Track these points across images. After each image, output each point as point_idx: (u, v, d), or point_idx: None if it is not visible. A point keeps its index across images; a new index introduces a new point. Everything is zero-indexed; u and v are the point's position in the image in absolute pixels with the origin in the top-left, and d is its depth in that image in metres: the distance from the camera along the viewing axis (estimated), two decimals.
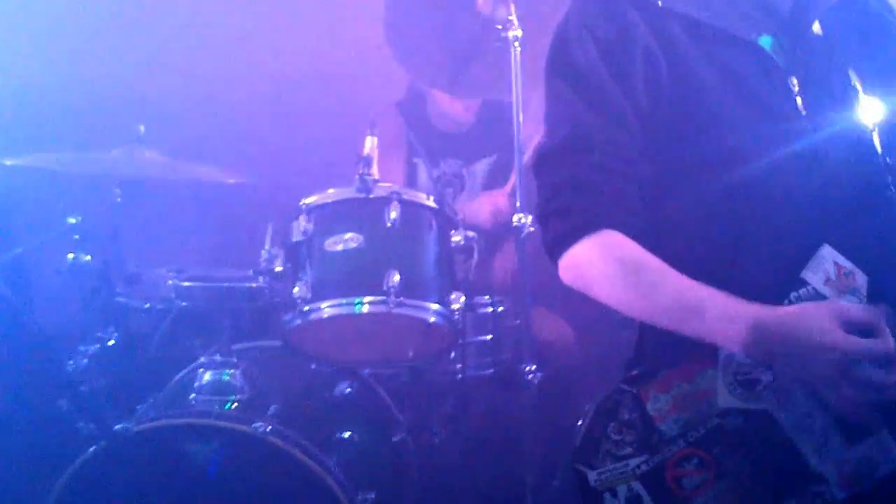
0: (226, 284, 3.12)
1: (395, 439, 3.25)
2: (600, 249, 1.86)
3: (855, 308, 1.69)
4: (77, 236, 3.14)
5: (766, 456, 1.73)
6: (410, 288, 2.90)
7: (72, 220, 3.13)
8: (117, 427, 2.78)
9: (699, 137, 1.86)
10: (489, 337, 3.36)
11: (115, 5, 4.14)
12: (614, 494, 1.77)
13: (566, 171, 1.91)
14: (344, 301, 2.91)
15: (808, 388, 1.71)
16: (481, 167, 4.00)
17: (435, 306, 2.96)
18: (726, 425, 1.75)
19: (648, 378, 1.81)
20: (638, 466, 1.77)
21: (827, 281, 1.73)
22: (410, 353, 3.20)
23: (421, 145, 4.00)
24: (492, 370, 3.34)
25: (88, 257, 3.13)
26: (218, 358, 3.06)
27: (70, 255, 3.12)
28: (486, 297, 3.35)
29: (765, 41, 1.92)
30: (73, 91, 4.07)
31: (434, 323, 2.95)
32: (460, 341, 3.16)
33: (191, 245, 3.73)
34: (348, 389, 3.20)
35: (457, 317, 3.00)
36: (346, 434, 3.14)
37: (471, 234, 3.11)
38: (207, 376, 3.04)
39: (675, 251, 1.86)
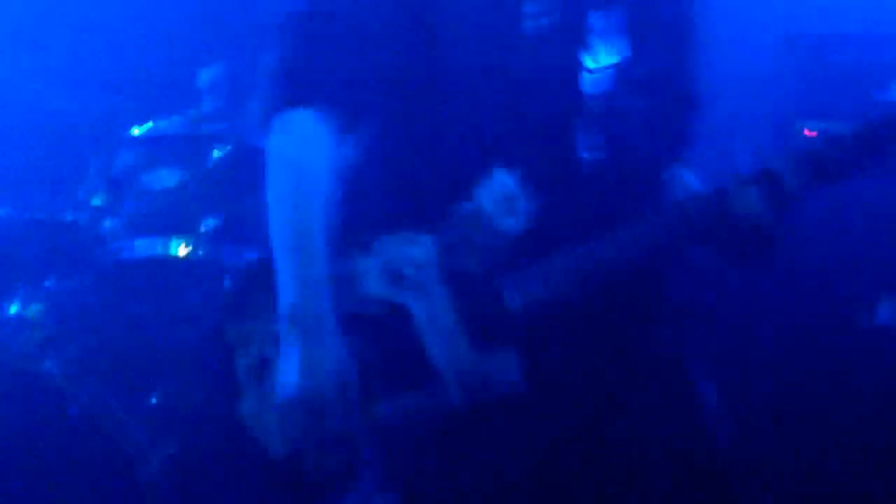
0: (40, 216, 2.96)
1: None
2: (290, 134, 1.71)
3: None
4: None
5: (395, 347, 1.69)
6: (230, 232, 2.78)
7: None
8: None
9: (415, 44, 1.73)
10: None
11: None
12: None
13: (298, 39, 1.73)
14: (158, 241, 2.79)
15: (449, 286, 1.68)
16: None
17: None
18: (366, 311, 1.70)
19: None
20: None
21: (494, 201, 1.71)
22: None
23: None
24: None
25: None
26: (26, 292, 2.90)
27: None
28: None
29: None
30: None
31: None
32: None
33: (4, 172, 3.53)
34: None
35: None
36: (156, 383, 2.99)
37: None
38: (13, 309, 2.88)
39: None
